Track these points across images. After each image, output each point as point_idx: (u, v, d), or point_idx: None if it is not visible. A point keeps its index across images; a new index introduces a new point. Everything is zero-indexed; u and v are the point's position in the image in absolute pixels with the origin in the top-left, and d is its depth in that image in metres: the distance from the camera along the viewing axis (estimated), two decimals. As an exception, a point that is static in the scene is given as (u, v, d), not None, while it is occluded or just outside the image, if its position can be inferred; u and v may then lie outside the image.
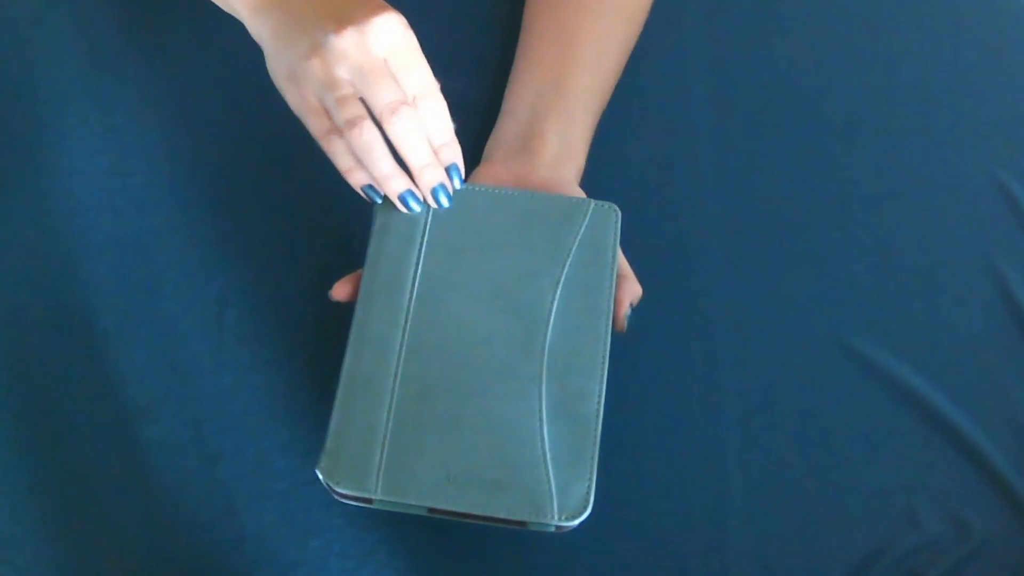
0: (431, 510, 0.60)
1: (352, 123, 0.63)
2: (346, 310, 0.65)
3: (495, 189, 0.69)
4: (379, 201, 0.67)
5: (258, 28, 0.67)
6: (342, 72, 0.63)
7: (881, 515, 0.67)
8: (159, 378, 0.69)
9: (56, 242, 0.73)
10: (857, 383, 0.71)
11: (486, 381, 0.62)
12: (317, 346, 0.69)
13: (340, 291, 0.66)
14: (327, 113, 0.64)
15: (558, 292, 0.65)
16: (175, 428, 0.67)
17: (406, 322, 0.64)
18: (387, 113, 0.63)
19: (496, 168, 0.71)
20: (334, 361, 0.63)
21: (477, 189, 0.68)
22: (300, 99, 0.65)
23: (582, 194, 0.70)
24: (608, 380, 0.63)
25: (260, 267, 0.73)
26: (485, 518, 0.60)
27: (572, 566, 0.65)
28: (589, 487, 0.60)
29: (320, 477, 0.60)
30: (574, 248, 0.67)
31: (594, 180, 0.73)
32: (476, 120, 0.77)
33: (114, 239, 0.73)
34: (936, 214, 0.77)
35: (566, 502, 0.59)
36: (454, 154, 0.66)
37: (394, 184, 0.65)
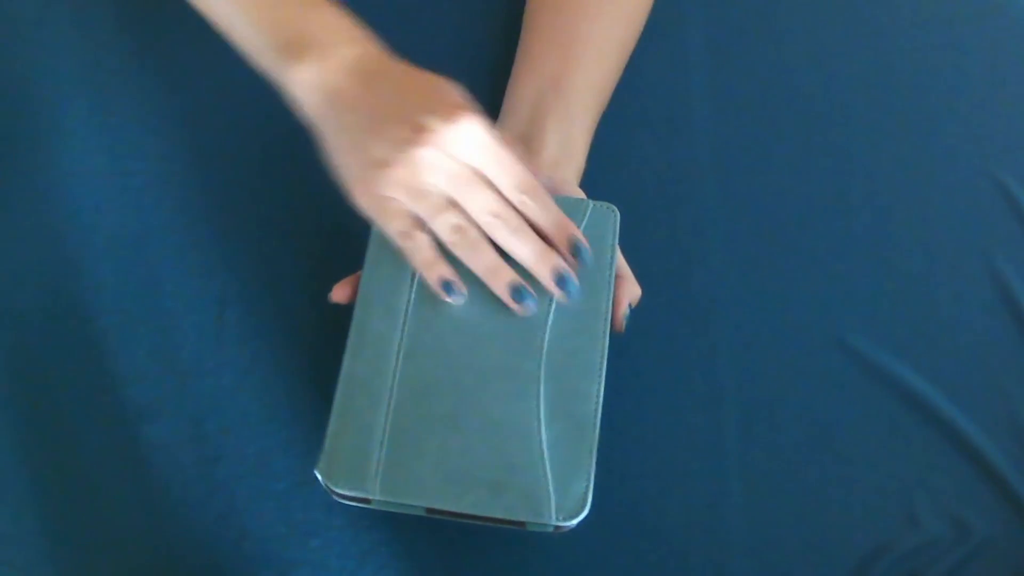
0: (429, 510, 0.60)
1: (457, 229, 0.63)
2: (346, 310, 0.65)
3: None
4: (454, 298, 0.64)
5: (312, 112, 0.65)
6: (430, 180, 0.62)
7: (881, 515, 0.67)
8: (159, 378, 0.69)
9: (56, 242, 0.73)
10: (857, 383, 0.71)
11: (484, 381, 0.62)
12: (317, 346, 0.69)
13: (339, 293, 0.66)
14: (410, 216, 0.63)
15: (556, 292, 0.65)
16: (175, 428, 0.67)
17: (404, 323, 0.64)
18: (489, 221, 0.62)
19: (496, 168, 0.72)
20: (334, 361, 0.63)
21: None
22: (376, 202, 0.63)
23: (582, 194, 0.70)
24: (607, 380, 0.63)
25: (260, 267, 0.73)
26: (483, 518, 0.60)
27: (571, 566, 0.65)
28: (587, 487, 0.60)
29: (319, 478, 0.60)
30: (572, 248, 0.67)
31: (594, 180, 0.73)
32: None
33: (114, 239, 0.73)
34: (936, 214, 0.77)
35: (564, 502, 0.59)
36: (570, 235, 0.65)
37: (502, 276, 0.64)
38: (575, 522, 0.60)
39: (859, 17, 0.86)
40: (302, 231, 0.74)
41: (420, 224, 0.63)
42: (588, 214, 0.68)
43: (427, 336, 0.64)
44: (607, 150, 0.75)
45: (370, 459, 0.60)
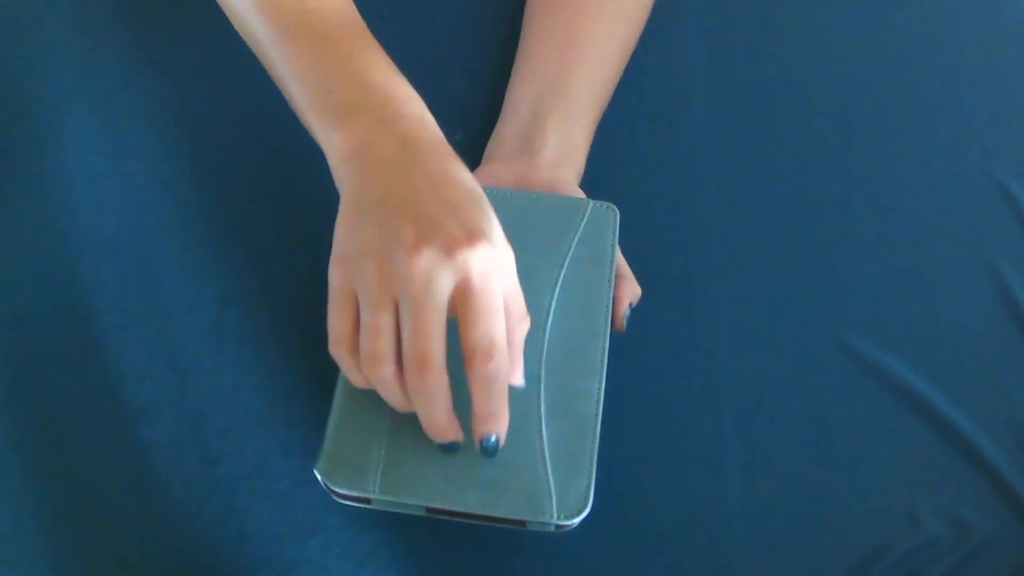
0: (429, 510, 0.60)
1: (371, 359, 0.57)
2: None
3: (494, 189, 0.69)
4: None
5: (341, 177, 0.61)
6: (392, 297, 0.56)
7: (881, 515, 0.67)
8: (159, 378, 0.69)
9: (56, 242, 0.73)
10: (857, 383, 0.71)
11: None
12: (317, 346, 0.69)
13: None
14: (355, 318, 0.58)
15: (556, 292, 0.65)
16: (175, 428, 0.67)
17: (405, 321, 0.64)
18: (411, 369, 0.56)
19: (497, 168, 0.71)
20: (334, 361, 0.63)
21: None
22: (339, 289, 0.59)
23: (582, 194, 0.70)
24: (607, 380, 0.63)
25: (260, 267, 0.73)
26: (484, 517, 0.60)
27: (571, 566, 0.64)
28: (588, 485, 0.60)
29: (318, 478, 0.60)
30: (572, 248, 0.67)
31: (594, 180, 0.73)
32: (477, 120, 0.77)
33: (114, 239, 0.73)
34: (936, 214, 0.77)
35: (565, 501, 0.59)
36: (492, 426, 0.58)
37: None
38: (576, 521, 0.59)
39: (859, 17, 0.87)
40: (302, 231, 0.74)
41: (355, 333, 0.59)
42: (588, 213, 0.68)
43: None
44: (607, 150, 0.75)
45: (369, 458, 0.60)
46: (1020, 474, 0.68)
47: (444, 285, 0.56)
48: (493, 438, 0.59)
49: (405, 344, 0.57)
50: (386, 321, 0.57)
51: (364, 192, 0.59)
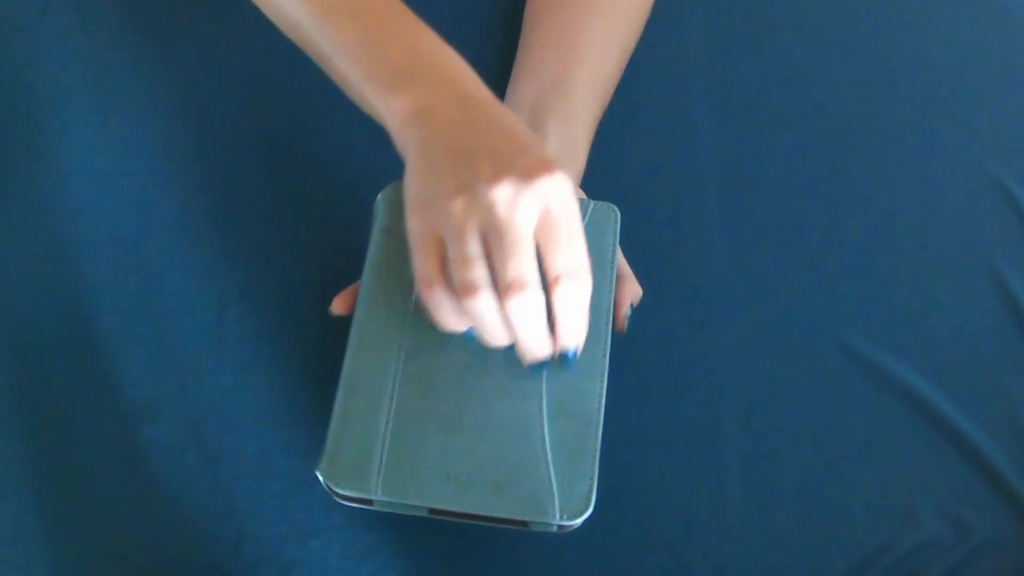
0: (432, 511, 0.60)
1: (468, 289, 0.57)
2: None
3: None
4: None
5: (405, 139, 0.62)
6: (478, 227, 0.57)
7: (881, 515, 0.67)
8: (159, 378, 0.69)
9: (56, 242, 0.73)
10: (857, 383, 0.71)
11: (486, 380, 0.62)
12: (317, 346, 0.69)
13: (339, 305, 0.65)
14: (442, 260, 0.59)
15: (558, 292, 0.65)
16: (175, 428, 0.67)
17: (406, 322, 0.64)
18: (510, 291, 0.57)
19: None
20: (334, 361, 0.63)
21: None
22: (422, 233, 0.59)
23: (582, 194, 0.70)
24: (608, 380, 0.63)
25: (260, 267, 0.73)
26: (486, 518, 0.60)
27: (572, 566, 0.65)
28: (591, 486, 0.60)
29: (320, 479, 0.60)
30: (574, 248, 0.67)
31: (594, 180, 0.73)
32: (476, 120, 0.77)
33: (114, 239, 0.73)
34: (936, 214, 0.78)
35: (567, 501, 0.59)
36: (575, 340, 0.61)
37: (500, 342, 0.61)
38: (579, 521, 0.59)
39: (859, 17, 0.87)
40: (303, 231, 0.74)
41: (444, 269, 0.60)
42: (589, 214, 0.68)
43: (429, 335, 0.63)
44: (607, 150, 0.75)
45: (372, 459, 0.60)
46: (1020, 474, 0.68)
47: (529, 210, 0.57)
48: (572, 351, 0.62)
49: (499, 271, 0.57)
50: (476, 250, 0.58)
51: (433, 144, 0.60)
